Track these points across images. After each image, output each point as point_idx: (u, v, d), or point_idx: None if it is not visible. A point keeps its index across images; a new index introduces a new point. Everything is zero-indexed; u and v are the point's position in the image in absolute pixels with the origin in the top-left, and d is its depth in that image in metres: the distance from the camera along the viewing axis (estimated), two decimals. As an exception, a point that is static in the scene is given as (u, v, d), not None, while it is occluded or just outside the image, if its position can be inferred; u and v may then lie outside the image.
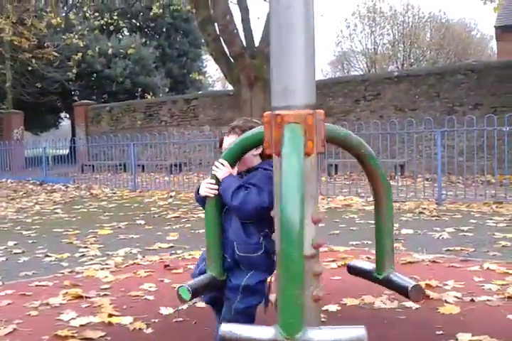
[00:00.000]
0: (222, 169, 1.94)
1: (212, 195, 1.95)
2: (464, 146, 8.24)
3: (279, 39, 1.65)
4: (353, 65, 31.71)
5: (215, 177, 1.97)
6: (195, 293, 1.91)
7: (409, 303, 2.59)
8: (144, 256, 4.04)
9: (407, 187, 7.21)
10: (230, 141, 2.04)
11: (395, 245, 4.10)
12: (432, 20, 30.76)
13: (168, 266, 3.61)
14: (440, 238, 4.40)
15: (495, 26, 22.47)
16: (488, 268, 3.29)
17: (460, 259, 3.56)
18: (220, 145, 2.19)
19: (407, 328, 2.37)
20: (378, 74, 14.92)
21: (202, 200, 2.01)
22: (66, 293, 3.05)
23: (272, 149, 1.69)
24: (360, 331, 1.33)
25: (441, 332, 2.26)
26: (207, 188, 1.96)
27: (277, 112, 1.72)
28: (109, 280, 3.33)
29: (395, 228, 4.89)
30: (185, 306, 2.67)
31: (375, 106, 11.84)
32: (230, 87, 14.55)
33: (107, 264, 3.80)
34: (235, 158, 1.93)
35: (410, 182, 7.84)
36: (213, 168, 1.98)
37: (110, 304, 2.80)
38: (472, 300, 2.67)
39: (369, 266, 1.98)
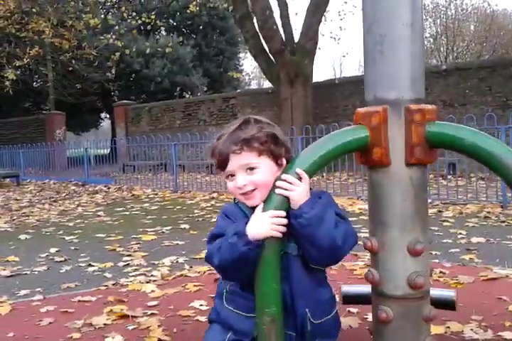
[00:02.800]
0: (299, 187, 1.28)
1: (281, 235, 1.30)
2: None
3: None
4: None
5: (285, 202, 1.29)
6: None
7: (508, 334, 2.19)
8: (191, 267, 3.76)
9: (464, 188, 6.72)
10: (242, 162, 1.39)
11: (469, 256, 3.70)
12: (477, 11, 29.57)
13: (218, 279, 3.31)
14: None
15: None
16: None
17: (550, 274, 3.12)
18: (219, 165, 1.46)
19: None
20: (425, 68, 14.30)
21: (255, 249, 1.28)
22: (110, 310, 2.79)
23: (410, 157, 1.28)
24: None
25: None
26: (274, 224, 1.28)
27: (358, 110, 1.35)
28: (156, 296, 3.06)
29: (462, 235, 4.47)
30: None
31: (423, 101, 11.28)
32: (266, 85, 14.30)
33: (152, 275, 3.54)
34: (315, 171, 1.35)
35: (464, 182, 7.33)
36: (281, 183, 1.30)
37: (159, 326, 2.52)
38: None
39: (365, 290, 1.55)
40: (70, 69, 17.98)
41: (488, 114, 6.93)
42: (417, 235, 1.31)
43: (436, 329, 2.33)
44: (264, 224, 1.27)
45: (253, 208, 1.39)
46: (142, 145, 11.57)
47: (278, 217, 1.28)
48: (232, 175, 1.43)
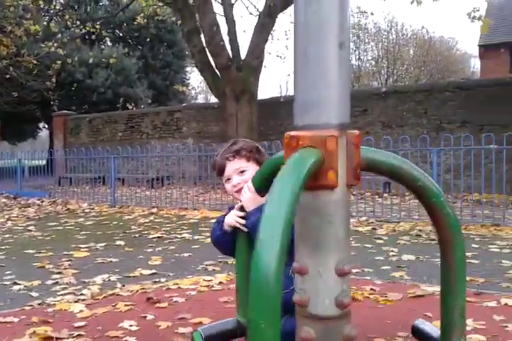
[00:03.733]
0: (247, 194, 1.66)
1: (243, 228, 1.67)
2: (452, 164, 8.09)
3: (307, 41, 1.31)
4: (337, 80, 31.74)
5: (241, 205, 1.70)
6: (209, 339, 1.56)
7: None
8: (123, 285, 3.64)
9: (398, 206, 6.95)
10: (235, 166, 1.84)
11: (399, 274, 3.81)
12: (416, 37, 31.10)
13: (151, 298, 3.23)
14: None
15: (478, 45, 22.77)
16: (506, 304, 2.99)
17: (473, 292, 3.26)
18: (218, 173, 1.91)
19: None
20: (365, 90, 14.79)
21: (226, 234, 1.73)
22: (33, 332, 2.64)
23: (350, 180, 1.36)
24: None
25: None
26: (236, 217, 1.69)
27: (293, 133, 1.38)
28: (84, 316, 2.93)
29: (394, 253, 4.60)
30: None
31: (362, 122, 11.64)
32: (213, 100, 14.32)
33: (82, 294, 3.40)
34: (265, 184, 1.47)
35: (398, 200, 7.58)
36: (244, 187, 1.70)
37: (84, 349, 2.42)
38: (500, 347, 2.36)
39: (435, 332, 1.61)
40: (7, 76, 17.28)
41: (421, 136, 7.23)
42: (345, 256, 1.33)
43: (364, 347, 2.38)
44: (230, 217, 1.71)
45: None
46: (80, 157, 11.23)
47: (239, 212, 1.69)
48: (229, 179, 1.85)
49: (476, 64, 32.34)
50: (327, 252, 1.31)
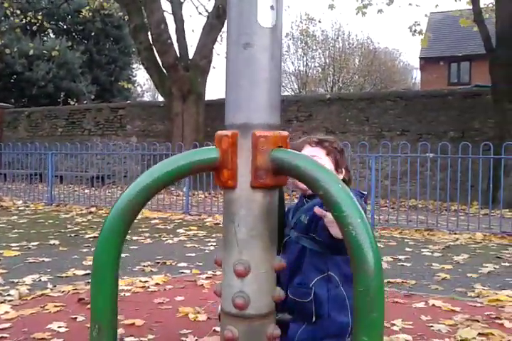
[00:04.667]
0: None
1: None
2: (390, 171, 8.36)
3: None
4: (285, 86, 32.15)
5: None
6: None
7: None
8: (55, 286, 3.51)
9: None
10: (311, 153, 1.67)
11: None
12: (362, 47, 31.97)
13: (83, 299, 3.12)
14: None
15: (419, 57, 23.72)
16: (433, 305, 3.11)
17: (403, 294, 3.37)
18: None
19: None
20: (311, 96, 15.04)
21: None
22: (-48, 335, 2.50)
23: (254, 181, 1.32)
24: None
25: None
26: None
27: (256, 133, 1.36)
28: (9, 318, 2.80)
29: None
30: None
31: (307, 127, 11.83)
32: (161, 98, 14.08)
33: (9, 295, 3.24)
34: (160, 186, 1.32)
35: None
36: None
37: (7, 352, 2.30)
38: (425, 346, 2.45)
39: None
40: None
41: (361, 143, 7.42)
42: (243, 257, 1.32)
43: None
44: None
45: (308, 197, 1.69)
46: (16, 152, 10.75)
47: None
48: None
49: (417, 75, 33.70)
50: (229, 250, 1.33)
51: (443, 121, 10.45)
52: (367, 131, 11.29)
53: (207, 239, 5.54)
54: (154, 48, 11.75)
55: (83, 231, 5.95)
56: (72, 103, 18.49)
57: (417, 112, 10.76)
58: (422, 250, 5.02)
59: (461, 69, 22.86)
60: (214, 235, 5.78)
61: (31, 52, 15.67)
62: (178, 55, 11.85)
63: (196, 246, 5.14)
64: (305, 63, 31.93)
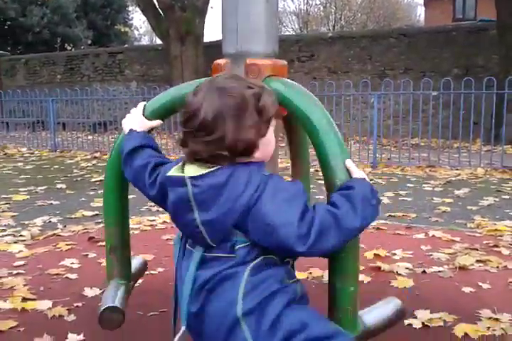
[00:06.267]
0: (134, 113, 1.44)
1: None
2: (392, 110, 8.28)
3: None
4: (285, 25, 31.19)
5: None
6: None
7: (360, 277, 2.41)
8: (65, 226, 3.62)
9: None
10: None
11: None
12: (364, -18, 30.65)
13: (93, 237, 3.23)
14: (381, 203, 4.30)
15: (424, -9, 22.74)
16: (433, 236, 3.21)
17: (404, 226, 3.46)
18: (270, 115, 1.18)
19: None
20: (312, 35, 14.62)
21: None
22: (-29, 271, 2.62)
23: None
24: (395, 301, 1.37)
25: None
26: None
27: (247, 61, 1.37)
28: (23, 256, 2.91)
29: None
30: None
31: (308, 67, 11.60)
32: (158, 42, 13.74)
33: (21, 236, 3.35)
34: (157, 116, 1.44)
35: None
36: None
37: (25, 285, 2.42)
38: (424, 272, 2.55)
39: None
40: None
41: (363, 81, 7.31)
42: None
43: (300, 275, 2.51)
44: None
45: None
46: (17, 99, 10.67)
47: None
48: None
49: (421, 12, 32.54)
50: None
51: (447, 58, 10.20)
52: (369, 69, 11.07)
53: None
54: (149, -12, 11.33)
55: (89, 175, 6.03)
56: (69, 49, 18.07)
57: (421, 49, 10.49)
58: (424, 185, 5.09)
59: (466, 4, 21.98)
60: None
61: (23, -5, 15.12)
62: (175, -5, 11.43)
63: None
64: (306, 1, 30.80)
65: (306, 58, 11.70)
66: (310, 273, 2.54)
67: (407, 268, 2.60)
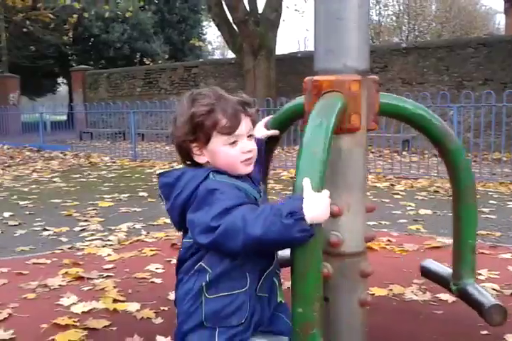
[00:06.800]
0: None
1: None
2: (472, 123, 7.99)
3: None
4: (357, 36, 30.86)
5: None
6: None
7: (444, 296, 2.35)
8: (148, 232, 3.79)
9: (417, 164, 6.96)
10: (248, 126, 1.31)
11: (416, 227, 3.89)
12: (440, -9, 29.84)
13: (175, 244, 3.36)
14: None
15: (504, 0, 21.80)
16: (520, 256, 3.06)
17: (489, 245, 3.33)
18: (230, 131, 1.28)
19: (444, 325, 2.14)
20: (385, 46, 14.43)
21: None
22: (66, 272, 2.81)
23: (370, 124, 1.46)
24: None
25: (485, 331, 2.03)
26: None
27: (316, 78, 1.42)
28: (112, 259, 3.09)
29: (411, 207, 4.67)
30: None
31: (382, 78, 11.42)
32: (230, 55, 14.11)
33: (109, 240, 3.56)
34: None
35: (418, 158, 7.58)
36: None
37: (114, 287, 2.56)
38: (512, 293, 2.45)
39: (444, 270, 1.69)
40: (25, 30, 17.17)
41: (442, 93, 7.12)
42: (366, 193, 1.51)
43: (379, 291, 2.48)
44: (325, 206, 1.13)
45: (237, 178, 1.27)
46: (100, 112, 11.32)
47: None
48: (236, 141, 1.27)
49: (500, 20, 31.16)
50: (357, 192, 1.42)
51: (530, 68, 9.72)
52: (446, 81, 10.75)
53: (283, 192, 5.66)
54: (224, 4, 11.68)
55: (167, 185, 6.27)
56: (147, 63, 18.93)
57: (501, 59, 10.05)
58: (508, 203, 4.86)
59: (552, 11, 20.78)
60: (290, 188, 5.89)
61: (107, 14, 16.09)
62: (248, 10, 11.71)
63: (274, 198, 5.28)
64: (378, 12, 30.41)
65: (379, 69, 11.55)
66: (390, 289, 2.51)
67: (493, 290, 2.50)
